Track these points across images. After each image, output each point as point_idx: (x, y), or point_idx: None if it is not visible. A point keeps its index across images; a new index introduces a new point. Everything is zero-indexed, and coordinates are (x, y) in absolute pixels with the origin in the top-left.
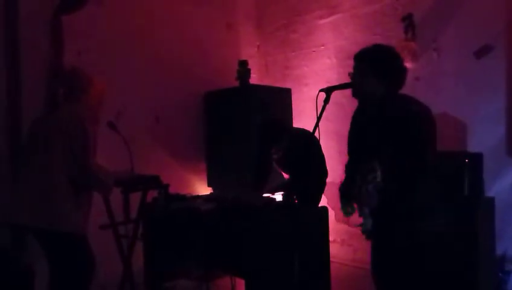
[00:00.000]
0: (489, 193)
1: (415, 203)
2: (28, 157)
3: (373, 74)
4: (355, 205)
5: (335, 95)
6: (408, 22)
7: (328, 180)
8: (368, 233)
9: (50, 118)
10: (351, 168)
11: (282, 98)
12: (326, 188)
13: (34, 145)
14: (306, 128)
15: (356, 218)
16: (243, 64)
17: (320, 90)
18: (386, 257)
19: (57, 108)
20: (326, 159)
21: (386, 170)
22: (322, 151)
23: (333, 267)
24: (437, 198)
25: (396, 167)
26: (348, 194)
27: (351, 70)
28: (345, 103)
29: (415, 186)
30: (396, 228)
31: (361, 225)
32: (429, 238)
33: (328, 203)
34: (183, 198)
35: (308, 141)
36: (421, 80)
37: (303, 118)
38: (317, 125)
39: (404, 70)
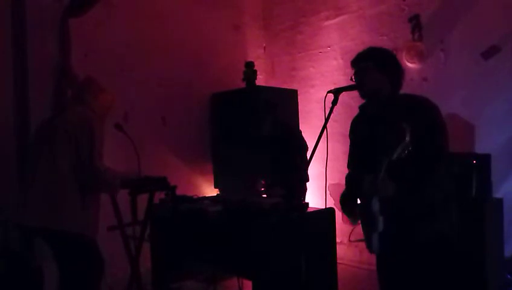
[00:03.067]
0: (498, 194)
1: (428, 199)
2: (35, 159)
3: (378, 70)
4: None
5: (342, 96)
6: (415, 22)
7: (334, 181)
8: (379, 236)
9: (56, 119)
10: (353, 177)
11: (288, 99)
12: (333, 190)
13: (41, 147)
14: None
15: (356, 234)
16: (250, 65)
17: (329, 92)
18: (393, 257)
19: (64, 109)
20: (332, 160)
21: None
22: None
23: (340, 269)
24: (448, 196)
25: (413, 156)
26: (351, 197)
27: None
28: (352, 104)
29: (431, 176)
30: (414, 227)
31: (366, 239)
32: (436, 239)
33: (334, 205)
34: (190, 199)
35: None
36: (428, 80)
37: (310, 119)
38: (325, 126)
39: (403, 69)
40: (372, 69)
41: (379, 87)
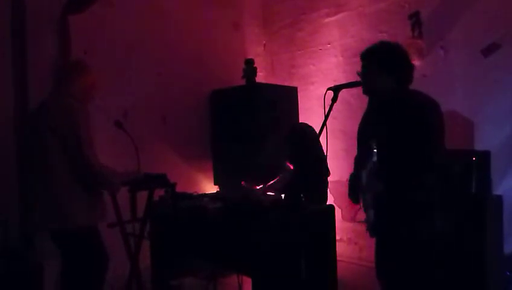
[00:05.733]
0: (497, 191)
1: (420, 200)
2: (32, 159)
3: (382, 70)
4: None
5: (342, 93)
6: (415, 19)
7: (334, 178)
8: (371, 226)
9: (40, 114)
10: (357, 162)
11: (288, 97)
12: (332, 187)
13: (34, 150)
14: (307, 124)
15: (363, 214)
16: (249, 62)
17: (328, 89)
18: (391, 255)
19: (44, 102)
20: (332, 157)
21: (392, 166)
22: (321, 147)
23: (340, 266)
24: (444, 196)
25: (403, 162)
26: (354, 185)
27: (358, 68)
28: (352, 102)
29: (420, 182)
30: (401, 226)
31: (365, 221)
32: (436, 236)
33: (334, 202)
34: (190, 196)
35: (306, 137)
36: (428, 78)
37: (309, 117)
38: (324, 123)
39: (411, 65)
40: (375, 69)
41: (380, 87)
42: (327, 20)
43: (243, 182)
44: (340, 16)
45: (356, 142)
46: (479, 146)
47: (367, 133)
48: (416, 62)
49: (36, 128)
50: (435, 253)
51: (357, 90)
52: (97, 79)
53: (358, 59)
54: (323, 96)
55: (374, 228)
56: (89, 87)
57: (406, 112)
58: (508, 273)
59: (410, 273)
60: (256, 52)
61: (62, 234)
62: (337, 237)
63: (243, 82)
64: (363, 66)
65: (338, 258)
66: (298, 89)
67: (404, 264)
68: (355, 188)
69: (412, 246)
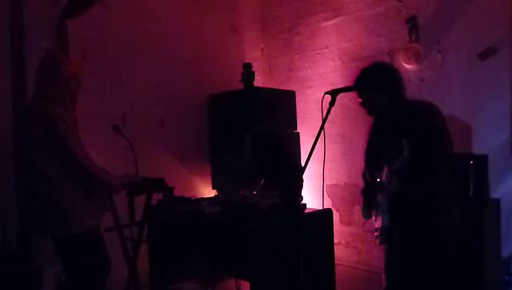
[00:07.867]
0: (495, 194)
1: (438, 192)
2: (26, 167)
3: (379, 92)
4: (373, 212)
5: (340, 97)
6: (412, 23)
7: (332, 182)
8: (384, 232)
9: (23, 128)
10: (369, 174)
11: (286, 100)
12: (330, 191)
13: (27, 159)
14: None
15: (371, 224)
16: (247, 66)
17: (326, 93)
18: (412, 250)
19: (26, 108)
20: (329, 161)
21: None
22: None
23: (338, 270)
24: (452, 193)
25: (413, 159)
26: (369, 197)
27: (356, 72)
28: (350, 106)
29: (436, 175)
30: (422, 220)
31: (376, 230)
32: (456, 227)
33: (332, 206)
34: (188, 201)
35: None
36: (425, 81)
37: (307, 120)
38: (322, 127)
39: (400, 78)
40: (373, 93)
41: (378, 103)
42: (325, 24)
43: (241, 191)
44: (337, 20)
45: (355, 147)
46: (476, 149)
47: (376, 149)
48: (414, 66)
49: (24, 142)
50: (437, 255)
51: (355, 94)
52: (78, 71)
53: (356, 63)
54: (321, 100)
55: (387, 233)
56: (66, 82)
57: (413, 116)
58: (506, 277)
59: (413, 274)
60: (254, 56)
61: (62, 239)
62: (335, 241)
63: (241, 86)
64: (361, 95)
65: (336, 262)
66: (296, 93)
67: (426, 257)
68: (369, 202)
69: (434, 238)
